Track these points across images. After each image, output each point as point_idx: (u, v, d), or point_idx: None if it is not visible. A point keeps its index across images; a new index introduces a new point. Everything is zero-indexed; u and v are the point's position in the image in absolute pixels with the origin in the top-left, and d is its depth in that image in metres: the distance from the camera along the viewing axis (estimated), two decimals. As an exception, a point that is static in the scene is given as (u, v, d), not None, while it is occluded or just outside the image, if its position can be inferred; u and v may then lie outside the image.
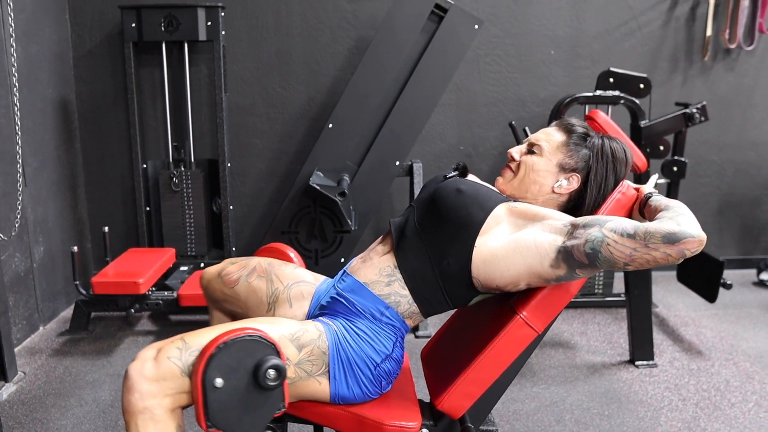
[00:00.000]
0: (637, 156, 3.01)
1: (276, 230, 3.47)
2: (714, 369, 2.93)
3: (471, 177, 1.68)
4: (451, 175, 1.62)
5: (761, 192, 4.19)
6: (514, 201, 1.54)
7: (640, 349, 2.97)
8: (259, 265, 1.71)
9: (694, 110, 3.31)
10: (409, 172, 3.47)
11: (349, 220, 3.24)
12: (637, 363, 2.95)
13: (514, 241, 1.44)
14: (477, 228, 1.45)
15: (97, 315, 3.38)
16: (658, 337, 3.22)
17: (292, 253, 1.96)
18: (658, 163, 3.44)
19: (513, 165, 1.62)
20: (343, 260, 3.50)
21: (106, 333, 3.23)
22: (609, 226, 1.33)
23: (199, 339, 1.34)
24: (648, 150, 3.36)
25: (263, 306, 1.67)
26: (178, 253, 3.57)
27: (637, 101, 3.34)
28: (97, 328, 3.29)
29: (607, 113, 3.39)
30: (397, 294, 1.52)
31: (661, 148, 3.40)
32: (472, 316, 1.74)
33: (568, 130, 1.61)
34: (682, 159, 3.42)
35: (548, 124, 3.65)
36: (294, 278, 1.69)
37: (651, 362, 2.96)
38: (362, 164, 3.40)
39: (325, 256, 3.52)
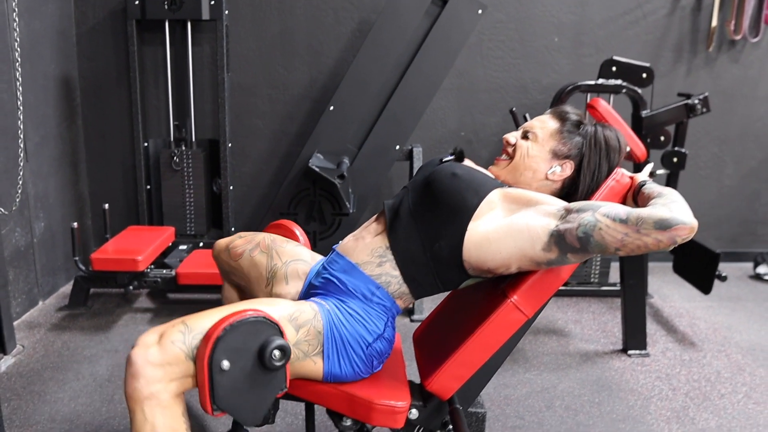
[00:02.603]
0: (636, 146, 3.01)
1: (275, 211, 3.48)
2: (706, 360, 2.95)
3: (467, 162, 1.69)
4: (447, 159, 1.63)
5: (761, 185, 4.19)
6: (509, 187, 1.55)
7: (633, 338, 2.99)
8: (263, 241, 1.76)
9: (696, 101, 3.31)
10: (409, 156, 3.47)
11: (347, 203, 3.25)
12: (629, 352, 2.98)
13: (506, 224, 1.45)
14: (470, 212, 1.47)
15: (96, 291, 3.41)
16: (651, 327, 3.24)
17: (298, 231, 1.99)
18: (658, 154, 3.45)
19: (509, 149, 1.64)
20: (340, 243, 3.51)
21: (104, 309, 3.26)
22: (602, 210, 1.34)
23: (201, 322, 1.35)
24: (649, 140, 3.36)
25: (262, 280, 1.70)
26: (178, 232, 3.59)
27: (639, 91, 3.34)
28: (95, 304, 3.32)
29: (609, 102, 3.39)
30: (388, 274, 1.54)
31: (662, 138, 3.40)
32: (464, 299, 1.75)
33: (562, 117, 1.62)
34: (683, 150, 3.42)
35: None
36: (293, 256, 1.71)
37: (643, 351, 2.98)
38: (362, 147, 3.41)
39: (323, 238, 3.53)
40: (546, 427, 2.40)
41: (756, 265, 4.06)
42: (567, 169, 1.59)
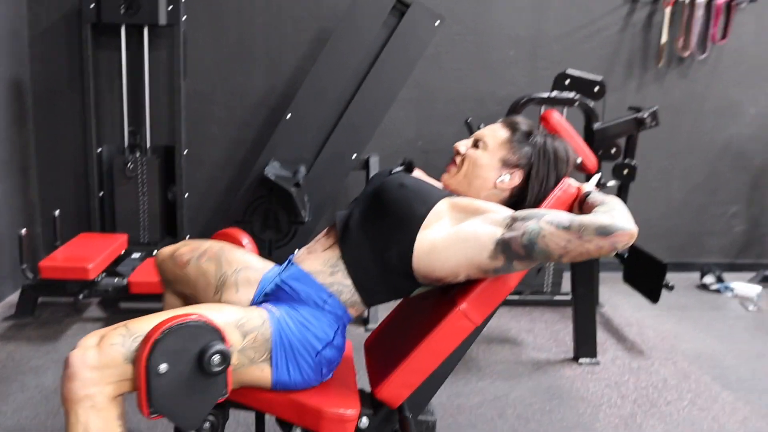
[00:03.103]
0: (587, 157, 3.07)
1: (230, 219, 3.45)
2: (654, 368, 3.02)
3: (417, 172, 1.71)
4: (396, 170, 1.65)
5: (707, 199, 4.32)
6: (457, 196, 1.57)
7: (584, 346, 3.05)
8: (210, 248, 1.73)
9: (646, 115, 3.40)
10: (366, 165, 3.49)
11: (302, 212, 3.25)
12: (580, 360, 3.03)
13: (454, 233, 1.47)
14: (419, 222, 1.48)
15: (45, 300, 3.33)
16: (602, 336, 3.31)
17: (246, 239, 1.97)
18: (609, 166, 3.52)
19: (458, 158, 1.66)
20: (297, 251, 3.50)
21: (52, 319, 3.19)
22: (546, 218, 1.37)
23: (142, 325, 1.34)
24: (600, 152, 3.44)
25: (211, 288, 1.68)
26: (131, 240, 3.53)
27: (591, 104, 3.42)
28: (43, 313, 3.24)
29: (563, 114, 3.46)
30: (340, 284, 1.54)
31: (613, 150, 3.49)
32: (414, 307, 1.77)
33: (513, 127, 1.65)
34: (633, 162, 3.51)
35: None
36: (243, 263, 1.70)
37: (594, 360, 3.04)
38: (319, 156, 3.41)
39: (279, 247, 3.52)
40: (497, 434, 2.43)
41: (702, 275, 4.17)
42: (516, 178, 1.62)
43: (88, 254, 3.04)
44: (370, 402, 1.64)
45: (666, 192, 4.27)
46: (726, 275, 4.23)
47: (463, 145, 1.66)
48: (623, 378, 2.90)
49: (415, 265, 1.50)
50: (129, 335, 1.32)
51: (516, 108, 3.47)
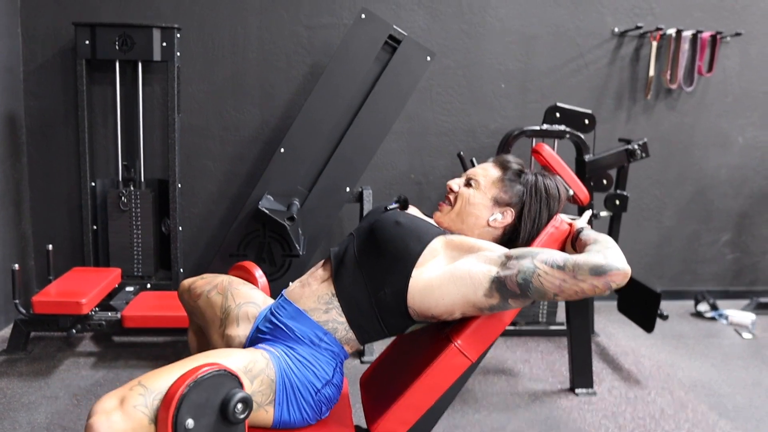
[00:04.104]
0: (580, 189, 3.10)
1: (224, 253, 3.45)
2: (650, 397, 3.02)
3: (412, 209, 1.72)
4: (391, 207, 1.66)
5: (699, 226, 4.36)
6: (451, 234, 1.59)
7: (580, 377, 3.05)
8: (221, 283, 1.78)
9: (636, 147, 3.45)
10: (359, 198, 3.51)
11: (297, 245, 3.26)
12: (576, 391, 3.02)
13: (449, 271, 1.48)
14: (414, 260, 1.50)
15: (37, 335, 3.31)
16: (598, 366, 3.30)
17: (258, 273, 2.01)
18: (601, 197, 3.56)
19: (451, 196, 1.68)
20: (291, 284, 3.50)
21: (45, 354, 3.16)
22: (540, 257, 1.38)
23: (158, 382, 1.31)
24: (592, 183, 3.48)
25: (217, 321, 1.71)
26: (125, 273, 3.52)
27: (582, 136, 3.46)
28: (36, 348, 3.21)
29: (554, 147, 3.50)
30: (335, 321, 1.55)
31: (605, 182, 3.52)
32: (410, 343, 1.77)
33: (504, 166, 1.68)
34: (624, 193, 3.54)
35: (496, 154, 3.74)
36: (246, 298, 1.72)
37: (590, 390, 3.03)
38: (313, 189, 3.43)
39: (273, 280, 3.51)
40: (495, 468, 2.41)
41: (696, 303, 4.19)
42: (508, 217, 1.64)
43: (82, 289, 3.02)
44: (366, 439, 1.64)
45: (658, 221, 4.30)
46: (720, 303, 4.24)
47: (456, 184, 1.69)
48: (620, 408, 2.90)
49: (410, 303, 1.51)
50: (149, 394, 1.28)
51: (508, 141, 3.52)
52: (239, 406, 1.28)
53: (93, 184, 3.57)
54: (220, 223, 3.88)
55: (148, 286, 3.59)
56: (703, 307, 4.16)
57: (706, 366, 3.40)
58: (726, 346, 3.69)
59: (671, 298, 4.28)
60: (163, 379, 1.30)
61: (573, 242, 1.58)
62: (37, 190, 3.70)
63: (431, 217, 1.72)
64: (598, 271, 1.32)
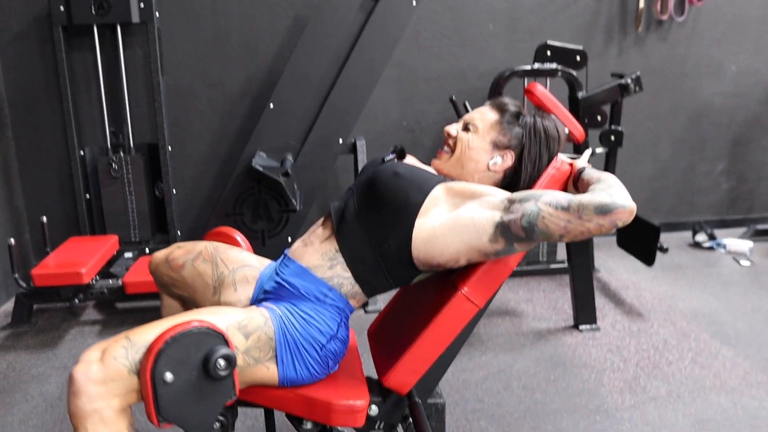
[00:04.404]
0: (575, 127, 3.07)
1: (220, 213, 3.44)
2: (653, 329, 3.06)
3: (409, 158, 1.70)
4: (388, 158, 1.63)
5: (694, 157, 4.35)
6: (452, 181, 1.56)
7: (584, 313, 3.08)
8: (205, 249, 1.72)
9: (629, 81, 3.40)
10: (353, 149, 3.47)
11: (293, 200, 3.24)
12: (580, 327, 3.06)
13: (452, 219, 1.46)
14: (415, 210, 1.48)
15: (40, 307, 3.31)
16: (600, 301, 3.33)
17: (239, 237, 1.95)
18: (596, 134, 3.53)
19: (450, 141, 1.65)
20: (290, 239, 3.50)
21: (50, 325, 3.17)
22: (544, 199, 1.37)
23: (144, 336, 1.33)
24: (586, 120, 3.44)
25: (209, 290, 1.67)
26: (122, 240, 3.51)
27: (574, 73, 3.41)
28: (40, 320, 3.22)
29: (546, 86, 3.45)
30: (340, 276, 1.54)
31: (599, 118, 3.48)
32: (416, 293, 1.76)
33: (501, 109, 1.64)
34: (619, 128, 3.51)
35: (488, 97, 3.69)
36: (239, 262, 1.69)
37: (594, 326, 3.06)
38: (305, 143, 3.39)
39: (272, 237, 3.51)
40: (505, 407, 2.45)
41: (694, 234, 4.21)
42: (508, 160, 1.61)
43: (80, 258, 3.01)
44: (378, 389, 1.64)
45: (653, 154, 4.28)
46: (717, 232, 4.27)
47: (454, 129, 1.65)
48: (624, 342, 2.93)
49: (414, 253, 1.49)
50: (131, 347, 1.31)
51: (499, 82, 3.46)
52: (221, 362, 1.29)
53: (82, 152, 3.52)
54: (214, 183, 3.85)
55: (147, 250, 3.58)
56: (701, 237, 4.18)
57: (706, 295, 3.43)
58: (725, 275, 3.73)
59: (669, 230, 4.30)
60: (148, 333, 1.33)
61: (575, 183, 1.56)
62: (26, 163, 3.64)
63: (429, 165, 1.70)
64: (603, 210, 1.30)
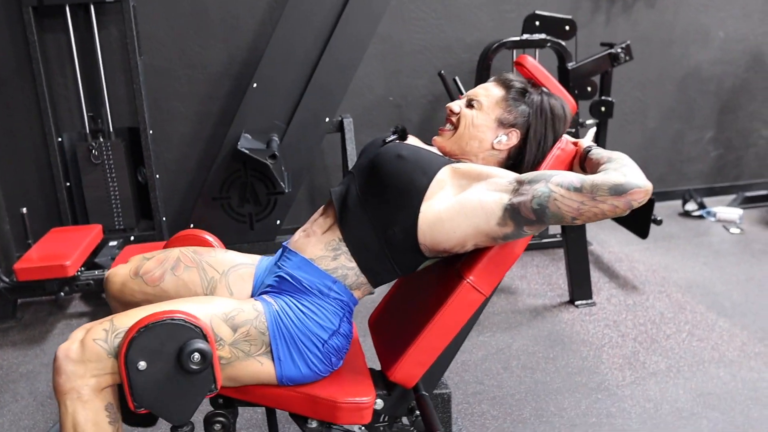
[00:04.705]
0: (567, 100, 3.01)
1: (206, 197, 3.36)
2: (649, 303, 3.04)
3: (411, 139, 1.62)
4: (390, 139, 1.56)
5: (683, 125, 4.31)
6: (457, 162, 1.50)
7: (579, 288, 3.05)
8: (183, 256, 1.61)
9: (619, 50, 3.35)
10: (340, 127, 3.39)
11: (282, 183, 3.16)
12: (576, 303, 3.03)
13: (458, 202, 1.41)
14: (421, 194, 1.41)
15: (25, 300, 3.21)
16: (594, 275, 3.31)
17: (210, 237, 1.83)
18: (586, 105, 3.48)
19: (453, 118, 1.58)
20: (279, 222, 3.43)
21: (36, 319, 3.08)
22: (555, 180, 1.31)
23: (126, 320, 1.33)
24: (576, 92, 3.39)
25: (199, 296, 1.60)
26: (106, 228, 3.41)
27: (563, 43, 3.35)
28: (25, 314, 3.13)
29: (534, 57, 3.37)
30: (344, 267, 1.48)
31: (589, 89, 3.43)
32: (417, 281, 1.71)
33: (507, 85, 1.57)
34: (609, 99, 3.46)
35: (477, 70, 3.61)
36: (229, 263, 1.61)
37: (590, 301, 3.04)
38: (291, 123, 3.31)
39: (259, 220, 3.44)
40: (506, 389, 2.42)
41: (684, 203, 4.19)
42: (513, 138, 1.55)
43: (64, 250, 2.92)
44: (382, 383, 1.60)
45: (641, 123, 4.24)
46: (706, 200, 4.26)
47: (457, 106, 1.57)
48: (621, 316, 2.92)
49: (420, 239, 1.44)
50: (112, 330, 1.32)
51: (488, 54, 3.39)
52: (195, 356, 1.27)
53: (59, 139, 3.40)
54: (197, 166, 3.74)
55: (132, 238, 3.49)
56: (690, 206, 4.17)
57: (699, 265, 3.43)
58: (716, 244, 3.72)
59: (658, 200, 4.28)
60: (131, 318, 1.32)
61: (582, 163, 1.50)
62: (2, 152, 3.51)
63: (431, 144, 1.62)
64: (618, 190, 1.25)
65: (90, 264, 3.16)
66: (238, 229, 3.42)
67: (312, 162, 3.50)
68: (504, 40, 3.31)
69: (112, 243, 3.43)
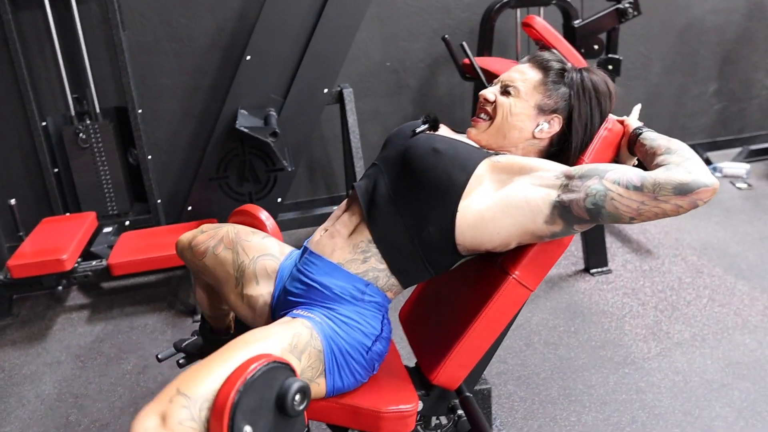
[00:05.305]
0: (577, 61, 2.88)
1: (203, 177, 3.21)
2: (665, 267, 2.98)
3: (443, 129, 1.49)
4: (420, 129, 1.43)
5: (686, 79, 4.20)
6: (495, 155, 1.38)
7: (594, 256, 2.98)
8: (227, 235, 1.56)
9: (627, 5, 3.21)
10: (339, 98, 3.24)
11: (284, 161, 3.02)
12: (592, 271, 2.96)
13: (501, 200, 1.29)
14: (459, 192, 1.30)
15: (20, 295, 3.08)
16: (607, 241, 3.22)
17: (264, 216, 1.77)
18: (592, 63, 3.34)
19: (488, 108, 1.45)
20: (280, 200, 3.30)
21: (34, 315, 2.95)
22: (611, 177, 1.20)
23: (200, 387, 1.11)
24: (583, 50, 3.25)
25: (231, 280, 1.51)
26: (99, 215, 3.26)
27: (568, 0, 3.21)
28: (22, 310, 3.00)
29: (539, 15, 3.23)
30: (375, 269, 1.37)
31: (596, 47, 3.30)
32: (451, 274, 1.61)
33: (544, 66, 1.44)
34: (617, 56, 3.34)
35: (480, 32, 3.45)
36: (260, 250, 1.52)
37: (605, 269, 2.98)
38: (288, 95, 3.14)
39: (260, 198, 3.30)
40: (530, 367, 2.36)
41: (689, 159, 4.10)
42: (555, 125, 1.42)
43: (59, 243, 2.78)
44: (420, 382, 1.52)
45: (645, 79, 4.12)
46: (710, 154, 4.18)
47: (491, 94, 1.44)
48: (638, 283, 2.85)
49: (459, 239, 1.33)
50: (193, 405, 1.10)
51: (490, 15, 3.25)
52: (297, 397, 1.12)
53: (44, 123, 3.22)
54: (190, 144, 3.58)
55: (127, 223, 3.35)
56: (696, 161, 4.08)
57: (711, 225, 3.36)
58: (725, 201, 3.65)
59: (663, 157, 4.18)
60: (204, 382, 1.11)
61: (631, 146, 1.39)
62: (-18, 138, 3.33)
63: (464, 134, 1.50)
64: (683, 190, 1.14)
65: (86, 254, 3.02)
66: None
67: (311, 135, 3.35)
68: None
69: (107, 229, 3.29)
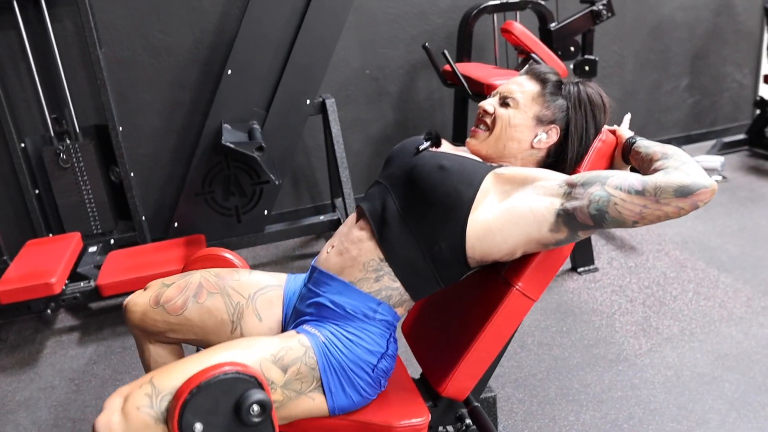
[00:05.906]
0: (557, 65, 2.93)
1: (189, 194, 3.20)
2: (650, 263, 3.04)
3: (445, 145, 1.52)
4: (423, 147, 1.45)
5: (659, 75, 4.29)
6: (499, 167, 1.41)
7: (581, 254, 3.03)
8: (205, 281, 1.51)
9: (601, 6, 3.27)
10: (322, 109, 3.25)
11: (271, 175, 3.02)
12: (579, 270, 3.01)
13: (507, 210, 1.32)
14: (468, 207, 1.33)
15: (7, 320, 3.03)
16: (592, 239, 3.28)
17: (230, 255, 1.72)
18: (569, 65, 3.40)
19: (487, 119, 1.48)
20: (266, 212, 3.30)
21: (23, 339, 2.92)
22: (612, 183, 1.24)
23: (169, 381, 1.19)
24: (559, 53, 3.30)
25: (226, 326, 1.48)
26: (84, 234, 3.22)
27: (544, 3, 3.25)
28: (10, 335, 2.96)
29: (516, 20, 3.27)
30: (388, 288, 1.39)
31: (572, 49, 3.35)
32: (454, 287, 1.63)
33: (542, 79, 1.47)
34: (593, 57, 3.39)
35: (458, 37, 3.49)
36: (255, 286, 1.51)
37: (592, 267, 3.03)
38: (271, 108, 3.15)
39: (246, 212, 3.30)
40: (526, 369, 2.39)
41: (665, 154, 4.18)
42: (553, 135, 1.46)
43: (46, 266, 2.75)
44: (427, 393, 1.54)
45: (620, 77, 4.20)
46: (685, 148, 4.26)
47: (490, 105, 1.47)
48: (625, 280, 2.91)
49: (469, 252, 1.35)
50: (156, 395, 1.17)
51: (469, 20, 3.29)
52: (254, 408, 1.17)
53: (23, 144, 3.17)
54: (172, 159, 3.57)
55: (112, 242, 3.32)
56: (672, 156, 4.16)
57: (690, 219, 3.43)
58: (703, 193, 3.72)
59: (640, 152, 4.26)
60: (174, 377, 1.19)
61: (625, 155, 1.43)
62: (-41, 161, 3.28)
63: (461, 146, 1.53)
64: (683, 192, 1.18)
65: (73, 275, 2.99)
66: (224, 223, 3.29)
67: (294, 147, 3.35)
68: (484, 5, 3.20)
69: (92, 249, 3.26)
